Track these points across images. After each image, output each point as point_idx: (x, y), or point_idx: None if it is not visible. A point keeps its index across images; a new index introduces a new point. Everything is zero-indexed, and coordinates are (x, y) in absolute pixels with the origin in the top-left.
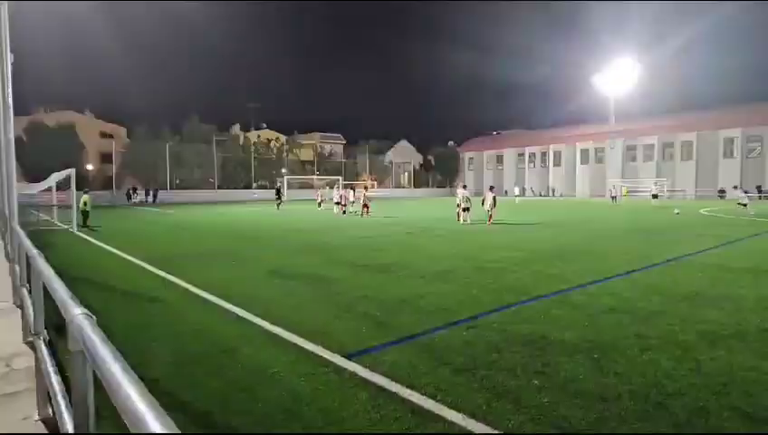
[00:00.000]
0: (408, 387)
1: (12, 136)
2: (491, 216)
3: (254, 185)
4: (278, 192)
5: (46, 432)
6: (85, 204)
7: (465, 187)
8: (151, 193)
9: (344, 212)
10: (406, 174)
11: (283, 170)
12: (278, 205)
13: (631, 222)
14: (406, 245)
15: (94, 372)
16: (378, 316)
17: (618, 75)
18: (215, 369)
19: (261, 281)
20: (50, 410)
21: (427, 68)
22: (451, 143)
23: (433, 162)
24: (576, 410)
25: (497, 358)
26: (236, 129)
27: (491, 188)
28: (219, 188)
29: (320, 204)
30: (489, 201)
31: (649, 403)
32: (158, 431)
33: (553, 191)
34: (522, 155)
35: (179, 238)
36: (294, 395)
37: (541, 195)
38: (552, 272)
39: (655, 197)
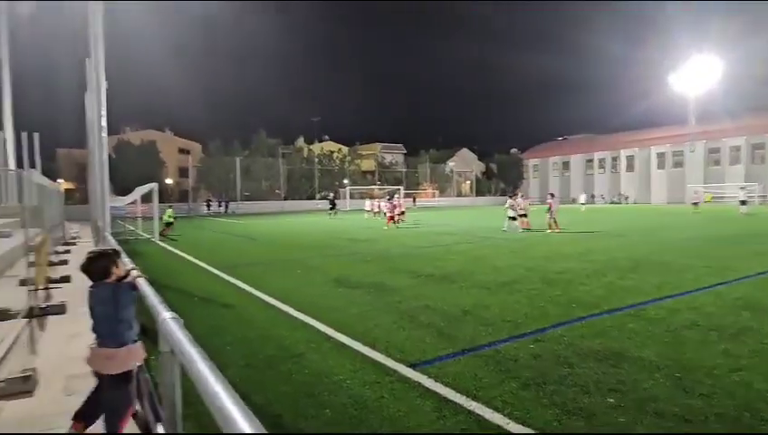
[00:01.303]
0: (473, 399)
1: (106, 156)
2: (550, 224)
3: (318, 196)
4: (332, 203)
5: (137, 432)
6: (170, 216)
7: (511, 196)
8: (223, 204)
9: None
10: (467, 182)
11: (345, 181)
12: (332, 215)
13: (715, 230)
14: (467, 254)
15: (181, 371)
16: (441, 326)
17: (697, 73)
18: (284, 374)
19: (325, 289)
20: (137, 406)
21: (487, 73)
22: (514, 150)
23: (495, 170)
24: (657, 431)
25: (568, 373)
26: (300, 141)
27: (551, 196)
28: (285, 198)
29: (371, 214)
30: (555, 209)
31: (741, 428)
32: (246, 431)
33: (626, 198)
34: (590, 160)
35: (248, 247)
36: (360, 402)
37: (612, 202)
38: (625, 284)
39: (743, 203)
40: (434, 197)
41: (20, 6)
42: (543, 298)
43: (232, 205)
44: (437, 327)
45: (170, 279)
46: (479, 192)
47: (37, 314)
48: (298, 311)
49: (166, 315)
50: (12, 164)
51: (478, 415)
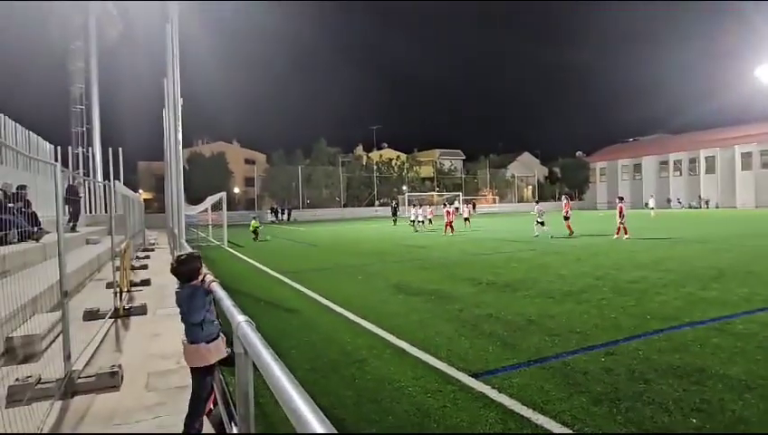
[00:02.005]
0: (540, 412)
1: (182, 167)
2: (619, 229)
3: (377, 202)
4: (394, 210)
5: (212, 432)
6: (255, 226)
7: (537, 202)
8: (286, 211)
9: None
10: (529, 187)
11: (404, 188)
12: (395, 221)
13: None
14: (530, 262)
15: (254, 373)
16: (504, 336)
17: None
18: (347, 378)
19: (385, 295)
20: (211, 405)
21: (550, 73)
22: (579, 153)
23: (559, 174)
24: (657, 431)
25: (644, 389)
26: (360, 149)
27: (620, 199)
28: (344, 206)
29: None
30: (625, 214)
31: None
32: (319, 431)
33: (706, 202)
34: (665, 162)
35: (310, 253)
36: (422, 410)
37: (690, 206)
38: (707, 295)
39: None
40: (494, 202)
41: (107, 34)
42: (615, 309)
43: (294, 212)
44: (501, 337)
45: (238, 284)
46: (542, 197)
47: (122, 315)
48: (359, 317)
49: (240, 319)
50: (99, 177)
51: (546, 430)
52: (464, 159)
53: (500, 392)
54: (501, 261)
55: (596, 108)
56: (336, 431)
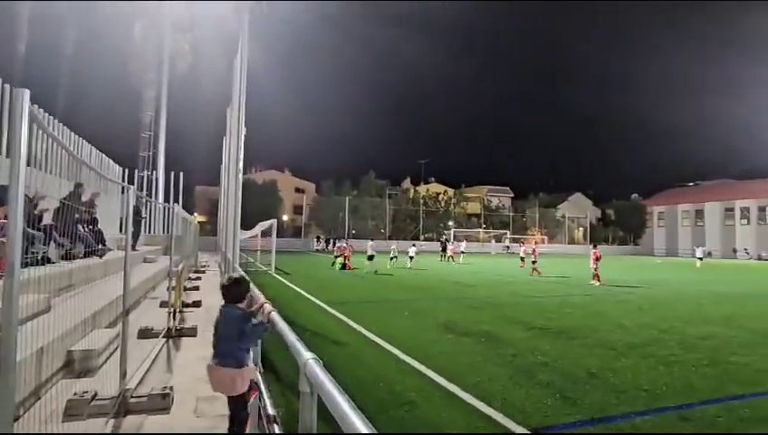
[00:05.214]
0: None
1: (240, 193)
2: (595, 276)
3: (422, 237)
4: (443, 245)
5: None
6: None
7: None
8: (332, 241)
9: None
10: (581, 229)
11: (450, 223)
12: (443, 257)
13: None
14: (586, 308)
15: (318, 410)
16: (563, 388)
17: None
18: (396, 420)
19: (434, 334)
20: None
21: (603, 112)
22: (635, 196)
23: (613, 216)
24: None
25: None
26: (407, 183)
27: (594, 246)
28: (389, 238)
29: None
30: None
31: None
32: None
33: None
34: (730, 209)
35: (356, 284)
36: None
37: (760, 257)
38: None
39: None
40: (543, 242)
41: (178, 66)
42: (685, 367)
43: (339, 242)
44: (559, 388)
45: (283, 311)
46: (594, 240)
47: (174, 335)
48: (407, 355)
49: (307, 356)
50: (161, 199)
51: None
52: (512, 197)
53: None
54: (553, 305)
55: (652, 150)
56: None
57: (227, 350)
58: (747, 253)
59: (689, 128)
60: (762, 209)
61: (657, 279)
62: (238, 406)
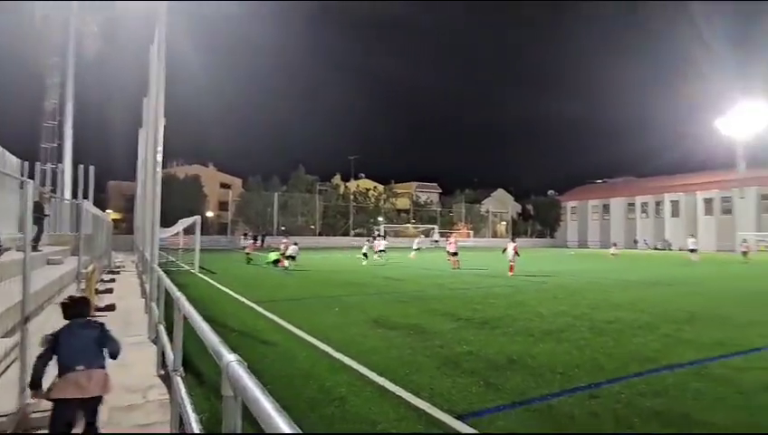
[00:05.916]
0: None
1: (159, 189)
2: (511, 267)
3: (352, 233)
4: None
5: None
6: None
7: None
8: (260, 238)
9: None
10: (503, 223)
11: (380, 218)
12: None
13: None
14: (508, 298)
15: (243, 415)
16: (487, 375)
17: (745, 119)
18: (326, 418)
19: (363, 329)
20: None
21: (523, 113)
22: (551, 192)
23: (532, 211)
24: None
25: None
26: (337, 178)
27: (512, 239)
28: (319, 234)
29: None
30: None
31: None
32: None
33: (670, 245)
34: (632, 204)
35: (285, 282)
36: None
37: (656, 248)
38: (683, 337)
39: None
40: (468, 237)
41: (87, 51)
42: (595, 349)
43: (268, 238)
44: (483, 375)
45: (208, 311)
46: (515, 233)
47: None
48: (337, 351)
49: (230, 358)
50: (67, 194)
51: None
52: (440, 193)
53: None
54: (478, 296)
55: (568, 149)
56: None
57: (99, 355)
58: (647, 244)
59: (604, 127)
60: (658, 204)
61: (571, 270)
62: (96, 410)
